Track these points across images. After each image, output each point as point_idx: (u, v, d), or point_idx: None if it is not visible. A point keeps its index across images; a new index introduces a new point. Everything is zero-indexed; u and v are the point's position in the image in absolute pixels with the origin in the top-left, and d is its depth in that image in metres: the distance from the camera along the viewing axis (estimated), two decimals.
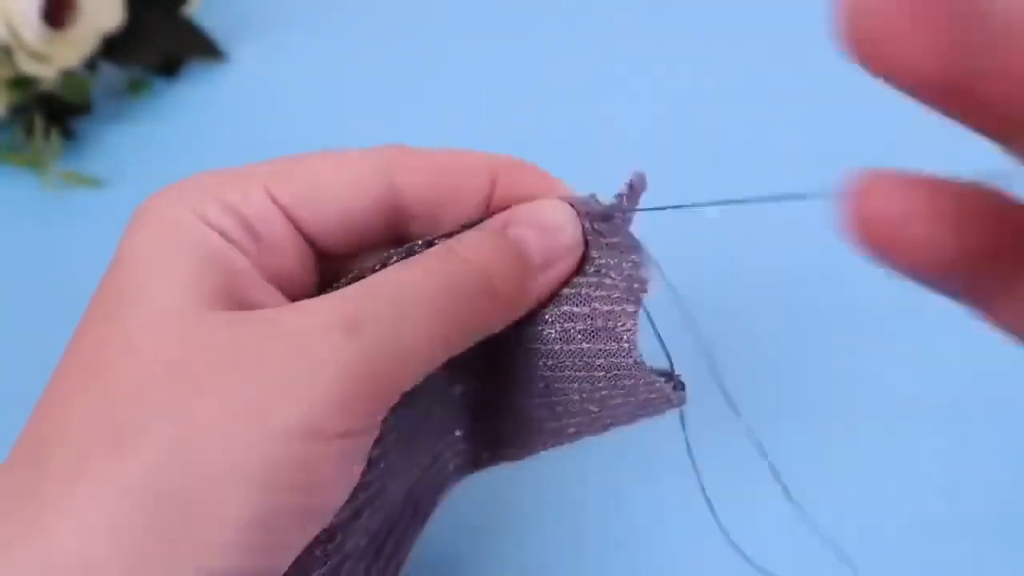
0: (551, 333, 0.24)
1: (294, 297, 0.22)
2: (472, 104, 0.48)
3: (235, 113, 0.49)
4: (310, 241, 0.24)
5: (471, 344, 0.22)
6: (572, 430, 0.27)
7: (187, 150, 0.47)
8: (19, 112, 0.45)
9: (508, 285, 0.22)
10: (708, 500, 0.25)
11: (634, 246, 0.23)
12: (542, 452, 0.28)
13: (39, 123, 0.45)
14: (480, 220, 0.24)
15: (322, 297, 0.21)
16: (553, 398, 0.25)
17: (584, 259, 0.24)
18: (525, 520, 0.32)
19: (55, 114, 0.46)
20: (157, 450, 0.18)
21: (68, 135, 0.47)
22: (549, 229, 0.23)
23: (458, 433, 0.28)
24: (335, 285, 0.22)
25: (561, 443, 0.27)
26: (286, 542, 0.20)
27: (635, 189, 0.23)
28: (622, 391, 0.24)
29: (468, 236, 0.23)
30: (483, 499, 0.32)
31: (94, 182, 0.45)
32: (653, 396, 0.24)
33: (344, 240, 0.24)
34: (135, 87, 0.50)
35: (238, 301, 0.21)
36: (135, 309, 0.20)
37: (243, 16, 0.54)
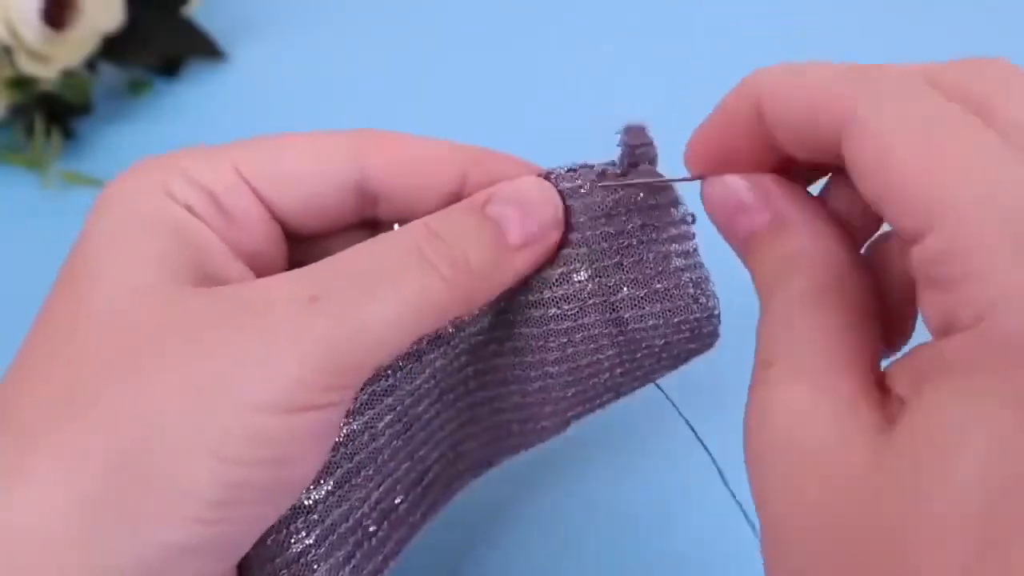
0: (562, 309, 0.24)
1: (265, 275, 0.22)
2: (472, 103, 0.48)
3: (235, 113, 0.49)
4: (279, 219, 0.24)
5: (450, 319, 0.22)
6: (602, 395, 0.27)
7: None
8: (19, 112, 0.46)
9: (483, 261, 0.22)
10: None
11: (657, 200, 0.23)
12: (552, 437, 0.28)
13: (39, 123, 0.45)
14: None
15: (288, 272, 0.21)
16: (578, 361, 0.25)
17: (566, 234, 0.23)
18: (520, 516, 0.33)
19: (55, 114, 0.46)
20: (113, 418, 0.18)
21: (68, 135, 0.47)
22: (529, 206, 0.23)
23: (471, 443, 0.28)
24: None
25: (582, 413, 0.27)
26: (249, 516, 0.20)
27: (631, 145, 0.23)
28: (670, 332, 0.24)
29: (443, 212, 0.23)
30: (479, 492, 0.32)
31: (94, 182, 0.45)
32: (703, 333, 0.24)
33: (312, 219, 0.24)
34: (135, 87, 0.50)
35: (204, 275, 0.21)
36: (99, 281, 0.20)
37: (243, 16, 0.54)
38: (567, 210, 0.23)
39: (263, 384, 0.19)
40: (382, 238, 0.22)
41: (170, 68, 0.50)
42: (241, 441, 0.18)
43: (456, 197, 0.24)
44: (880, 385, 0.18)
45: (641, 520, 0.32)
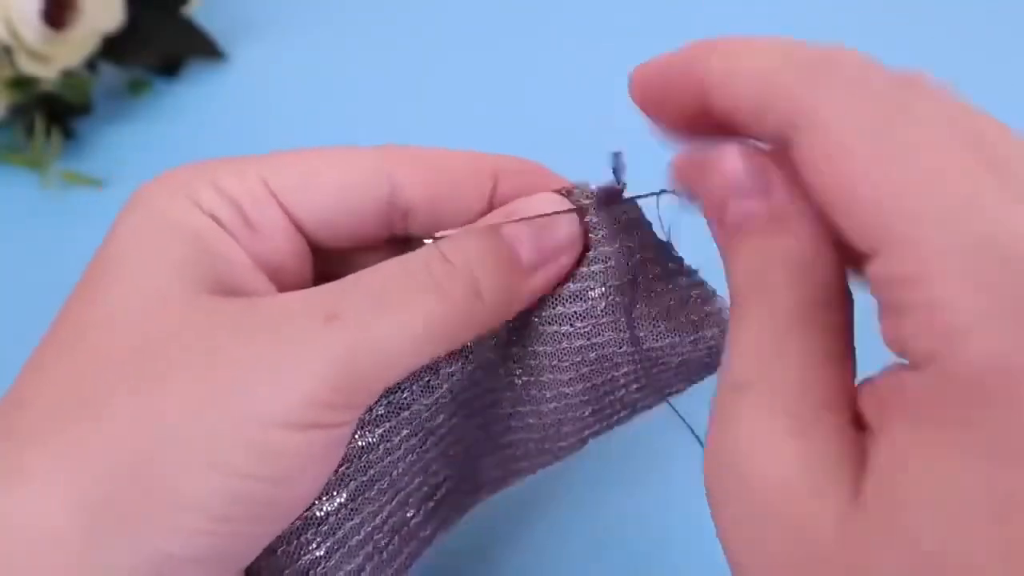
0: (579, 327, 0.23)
1: (289, 290, 0.22)
2: (472, 103, 0.48)
3: (235, 113, 0.49)
4: (306, 234, 0.23)
5: (463, 342, 0.22)
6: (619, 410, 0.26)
7: (187, 150, 0.47)
8: (19, 112, 0.45)
9: (494, 285, 0.21)
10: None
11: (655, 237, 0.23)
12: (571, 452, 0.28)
13: (39, 123, 0.45)
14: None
15: (306, 290, 0.21)
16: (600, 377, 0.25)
17: (585, 251, 0.23)
18: (522, 520, 0.32)
19: (55, 114, 0.46)
20: (118, 421, 0.18)
21: (68, 135, 0.47)
22: (542, 225, 0.22)
23: (486, 459, 0.27)
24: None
25: (599, 431, 0.27)
26: (250, 530, 0.19)
27: (617, 173, 0.23)
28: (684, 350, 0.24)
29: (457, 236, 0.22)
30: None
31: (94, 182, 0.45)
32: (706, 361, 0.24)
33: (340, 234, 0.24)
34: (135, 87, 0.50)
35: (224, 286, 0.21)
36: (117, 283, 0.20)
37: (243, 16, 0.54)
38: (584, 227, 0.23)
39: (274, 398, 0.18)
40: (400, 260, 0.21)
41: (170, 68, 0.50)
42: (245, 456, 0.18)
43: (487, 208, 0.24)
44: (855, 420, 0.16)
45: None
